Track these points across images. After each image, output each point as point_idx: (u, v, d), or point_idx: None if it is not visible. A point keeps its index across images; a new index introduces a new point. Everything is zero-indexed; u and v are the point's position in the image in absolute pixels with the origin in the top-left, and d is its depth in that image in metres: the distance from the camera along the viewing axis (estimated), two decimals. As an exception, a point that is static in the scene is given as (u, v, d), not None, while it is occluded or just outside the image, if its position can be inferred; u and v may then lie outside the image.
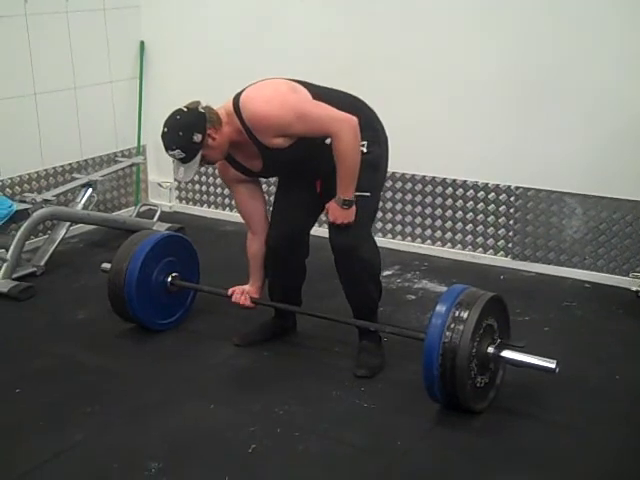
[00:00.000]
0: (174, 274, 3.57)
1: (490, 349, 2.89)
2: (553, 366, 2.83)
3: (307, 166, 3.16)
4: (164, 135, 3.01)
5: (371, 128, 3.14)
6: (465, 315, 2.80)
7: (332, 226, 3.11)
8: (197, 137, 2.95)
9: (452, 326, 2.79)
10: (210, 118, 2.98)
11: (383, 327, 3.28)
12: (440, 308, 2.84)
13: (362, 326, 3.22)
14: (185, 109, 3.01)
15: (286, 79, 3.10)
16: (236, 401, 3.08)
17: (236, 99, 3.04)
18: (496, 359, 2.93)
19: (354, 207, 3.04)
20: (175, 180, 3.01)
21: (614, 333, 3.56)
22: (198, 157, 2.99)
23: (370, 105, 3.23)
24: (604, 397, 3.05)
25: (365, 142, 3.07)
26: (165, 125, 3.01)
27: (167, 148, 3.00)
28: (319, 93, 3.07)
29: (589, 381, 3.16)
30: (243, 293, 3.36)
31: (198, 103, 3.04)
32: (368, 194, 3.08)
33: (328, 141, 3.00)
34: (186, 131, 2.96)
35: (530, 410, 2.97)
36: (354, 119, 2.95)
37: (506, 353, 2.92)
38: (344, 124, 2.94)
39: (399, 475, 2.65)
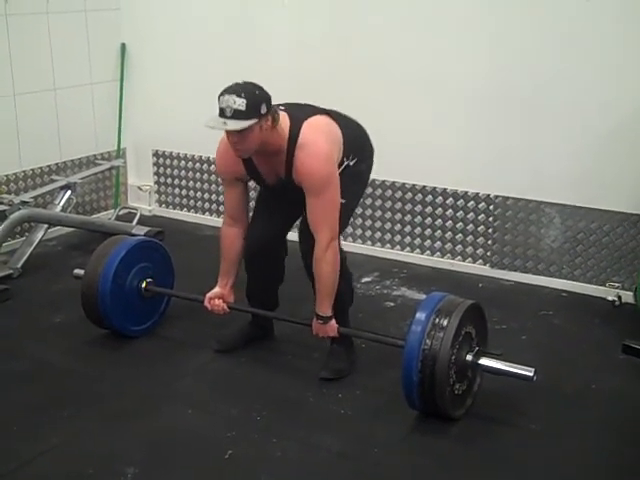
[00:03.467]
0: (148, 280, 3.55)
1: (469, 357, 2.91)
2: (531, 374, 2.85)
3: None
4: (236, 84, 2.88)
5: (364, 150, 3.26)
6: (445, 322, 2.81)
7: (300, 232, 3.17)
8: (263, 108, 2.86)
9: (432, 333, 2.80)
10: (275, 111, 2.94)
11: (362, 333, 3.28)
12: (420, 315, 2.85)
13: (342, 333, 3.21)
14: None
15: (333, 124, 3.10)
16: (213, 406, 3.07)
17: (295, 126, 2.98)
18: (474, 367, 2.95)
19: (332, 323, 3.13)
20: (208, 126, 2.82)
21: (591, 342, 3.58)
22: (250, 124, 2.83)
23: (354, 111, 3.25)
24: (580, 406, 3.08)
25: (355, 159, 3.16)
26: (238, 82, 2.90)
27: (232, 92, 2.84)
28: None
29: (565, 390, 3.18)
30: (219, 300, 3.34)
31: None
32: (343, 201, 3.09)
33: None
34: (261, 95, 2.88)
35: (506, 418, 2.98)
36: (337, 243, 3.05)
37: (484, 361, 2.93)
38: (333, 244, 3.01)
39: (376, 482, 2.65)
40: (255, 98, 2.86)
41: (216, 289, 3.36)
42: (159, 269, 3.63)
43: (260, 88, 2.92)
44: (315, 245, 3.02)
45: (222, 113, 2.85)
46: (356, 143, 3.19)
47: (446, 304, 2.89)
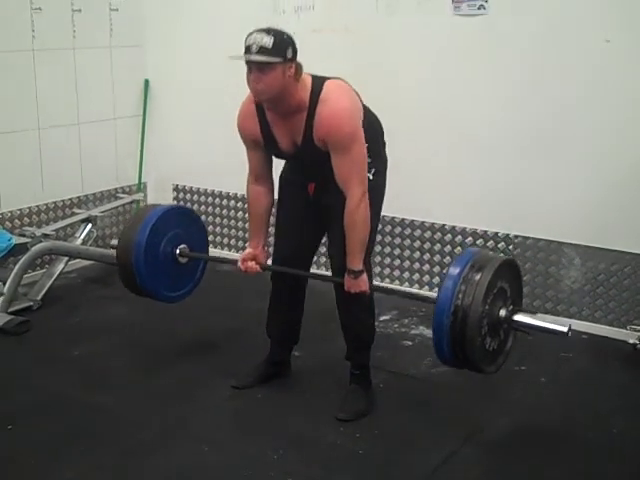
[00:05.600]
0: (182, 246, 3.53)
1: (502, 312, 2.84)
2: (565, 329, 2.80)
3: (315, 170, 3.13)
4: (266, 28, 2.88)
5: (381, 157, 3.24)
6: (477, 276, 2.75)
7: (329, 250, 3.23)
8: (290, 53, 2.88)
9: (463, 287, 2.74)
10: (299, 63, 2.95)
11: (394, 288, 3.24)
12: (453, 270, 2.80)
13: (373, 288, 3.22)
14: None
15: (355, 94, 3.08)
16: (230, 444, 3.04)
17: (317, 83, 2.98)
18: (508, 323, 2.87)
19: (364, 276, 3.10)
20: (230, 57, 2.92)
21: (611, 385, 3.54)
22: (274, 60, 2.83)
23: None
24: (601, 450, 3.02)
25: (374, 169, 3.13)
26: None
27: (261, 31, 2.86)
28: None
29: (586, 434, 3.13)
30: (252, 262, 3.27)
31: None
32: None
33: None
34: (289, 40, 2.89)
35: (527, 461, 2.93)
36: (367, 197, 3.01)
37: (518, 317, 2.87)
38: (365, 198, 2.99)
39: (393, 525, 2.62)
40: (283, 40, 2.87)
41: (248, 250, 3.31)
42: (193, 236, 3.60)
43: (289, 36, 2.92)
44: (347, 200, 2.98)
45: (248, 50, 2.86)
46: (374, 138, 3.14)
47: (480, 258, 2.85)
